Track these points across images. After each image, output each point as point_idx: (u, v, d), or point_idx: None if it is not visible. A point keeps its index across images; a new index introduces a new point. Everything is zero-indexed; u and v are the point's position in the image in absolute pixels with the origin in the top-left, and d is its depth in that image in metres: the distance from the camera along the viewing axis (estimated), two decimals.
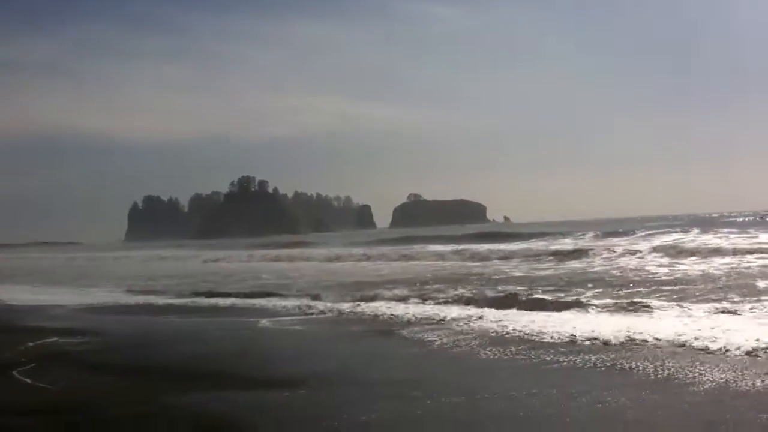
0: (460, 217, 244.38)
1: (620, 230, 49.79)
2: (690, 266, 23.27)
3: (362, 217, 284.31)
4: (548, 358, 9.62)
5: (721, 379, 7.95)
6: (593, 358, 9.48)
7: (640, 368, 8.70)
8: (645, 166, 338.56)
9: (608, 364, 9.09)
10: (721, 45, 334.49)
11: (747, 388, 7.54)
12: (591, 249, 32.22)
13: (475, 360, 10.02)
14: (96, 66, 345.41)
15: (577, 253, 31.42)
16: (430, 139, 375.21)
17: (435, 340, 11.62)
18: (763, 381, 7.76)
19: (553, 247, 35.59)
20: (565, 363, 9.30)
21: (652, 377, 8.26)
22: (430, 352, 10.89)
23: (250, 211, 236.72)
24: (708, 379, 7.94)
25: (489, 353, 10.29)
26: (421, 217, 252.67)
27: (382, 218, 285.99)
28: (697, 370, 8.36)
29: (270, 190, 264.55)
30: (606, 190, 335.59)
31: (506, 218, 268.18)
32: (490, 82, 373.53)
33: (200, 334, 14.03)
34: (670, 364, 8.78)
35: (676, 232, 43.38)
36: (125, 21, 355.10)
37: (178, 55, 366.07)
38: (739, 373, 8.13)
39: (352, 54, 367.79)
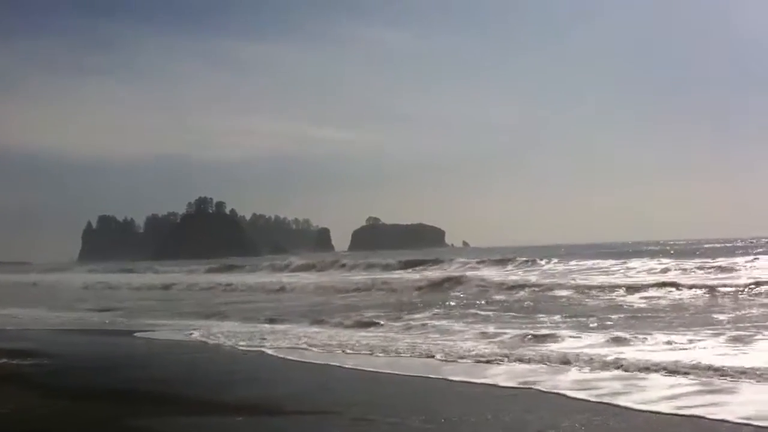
0: (419, 241, 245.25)
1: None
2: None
3: (321, 240, 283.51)
4: None
5: None
6: None
7: None
8: (608, 188, 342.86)
9: None
10: (670, 59, 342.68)
11: None
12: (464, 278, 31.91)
13: None
14: (43, 82, 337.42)
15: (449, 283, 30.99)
16: (388, 162, 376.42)
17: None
18: None
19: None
20: None
21: None
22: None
23: (207, 232, 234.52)
24: None
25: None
26: (379, 240, 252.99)
27: (342, 241, 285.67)
28: None
29: (227, 211, 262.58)
30: (577, 213, 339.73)
31: (465, 243, 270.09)
32: (444, 105, 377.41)
33: (152, 358, 13.97)
34: None
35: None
36: (69, 36, 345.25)
37: (125, 72, 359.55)
38: None
39: (308, 76, 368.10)
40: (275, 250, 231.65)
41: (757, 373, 9.26)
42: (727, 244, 72.86)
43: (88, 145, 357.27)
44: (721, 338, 12.75)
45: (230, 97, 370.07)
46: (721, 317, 16.17)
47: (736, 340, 12.49)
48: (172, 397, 9.71)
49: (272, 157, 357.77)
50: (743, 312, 17.19)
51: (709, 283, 24.10)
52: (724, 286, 22.87)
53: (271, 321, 19.75)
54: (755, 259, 33.38)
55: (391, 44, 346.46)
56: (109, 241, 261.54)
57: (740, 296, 21.02)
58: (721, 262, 31.22)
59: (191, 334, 17.24)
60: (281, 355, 13.40)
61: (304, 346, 14.39)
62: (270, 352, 13.89)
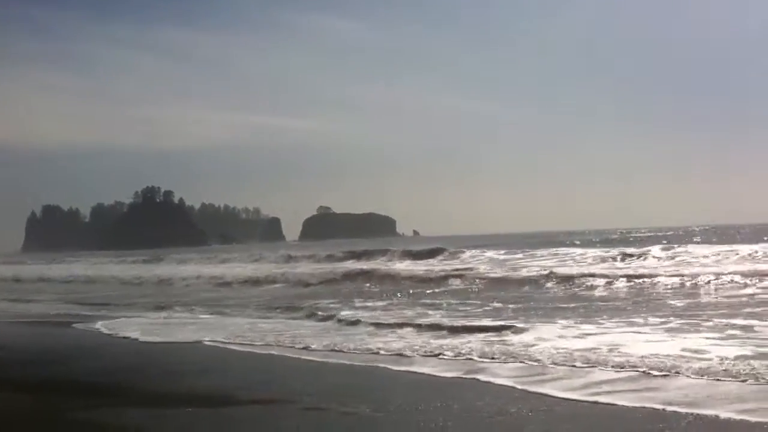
0: (370, 230, 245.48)
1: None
2: None
3: (271, 229, 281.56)
4: None
5: None
6: None
7: None
8: (568, 180, 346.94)
9: None
10: (625, 54, 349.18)
11: None
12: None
13: None
14: None
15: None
16: (339, 151, 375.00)
17: None
18: None
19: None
20: None
21: None
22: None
23: (154, 222, 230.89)
24: None
25: None
26: (330, 230, 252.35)
27: (293, 230, 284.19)
28: None
29: (176, 201, 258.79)
30: (524, 203, 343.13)
31: (415, 232, 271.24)
32: (395, 95, 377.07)
33: (99, 349, 13.89)
34: None
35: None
36: (1, 24, 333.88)
37: (63, 60, 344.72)
38: None
39: (258, 66, 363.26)
40: (224, 239, 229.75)
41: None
42: (669, 233, 75.40)
43: (28, 133, 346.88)
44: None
45: (176, 87, 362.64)
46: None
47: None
48: (120, 389, 9.70)
49: (222, 146, 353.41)
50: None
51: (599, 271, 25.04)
52: (593, 275, 23.72)
53: (213, 312, 19.90)
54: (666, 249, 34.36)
55: (342, 34, 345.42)
56: (54, 231, 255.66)
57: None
58: (633, 250, 32.23)
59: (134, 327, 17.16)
60: (228, 347, 13.42)
61: (250, 336, 14.43)
62: (212, 343, 13.87)
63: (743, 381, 8.49)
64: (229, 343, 13.79)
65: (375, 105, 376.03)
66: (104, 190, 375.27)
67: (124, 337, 15.25)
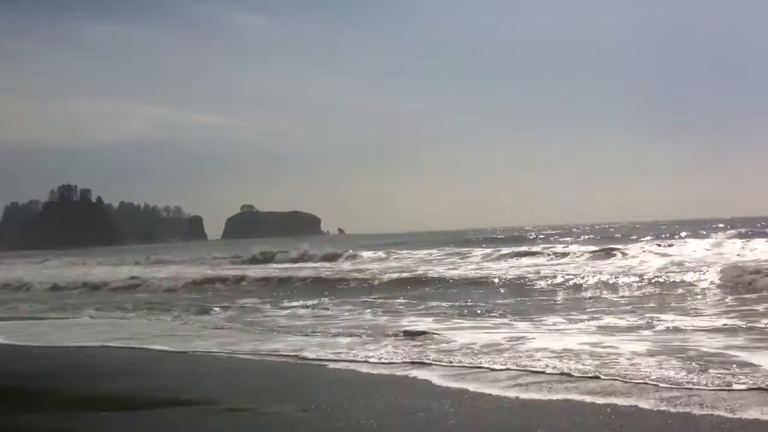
0: (295, 228, 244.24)
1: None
2: None
3: (193, 228, 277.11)
4: None
5: None
6: None
7: None
8: (490, 177, 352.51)
9: None
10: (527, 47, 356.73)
11: None
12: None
13: None
14: None
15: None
16: (264, 149, 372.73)
17: None
18: None
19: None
20: None
21: None
22: None
23: (71, 221, 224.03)
24: None
25: None
26: (254, 228, 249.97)
27: (215, 229, 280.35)
28: None
29: (93, 199, 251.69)
30: (451, 201, 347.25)
31: (340, 230, 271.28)
32: (316, 93, 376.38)
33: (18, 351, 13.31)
34: None
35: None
36: None
37: None
38: None
39: (174, 60, 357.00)
40: (144, 238, 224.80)
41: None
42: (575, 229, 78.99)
43: None
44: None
45: (93, 82, 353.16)
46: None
47: None
48: (25, 393, 9.33)
49: (141, 143, 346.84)
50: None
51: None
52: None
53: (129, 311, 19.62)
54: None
55: (256, 29, 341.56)
56: None
57: None
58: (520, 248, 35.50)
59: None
60: (146, 346, 13.06)
61: (171, 335, 14.17)
62: (121, 345, 13.46)
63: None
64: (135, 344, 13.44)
65: (295, 102, 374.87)
66: (19, 188, 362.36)
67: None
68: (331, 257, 40.39)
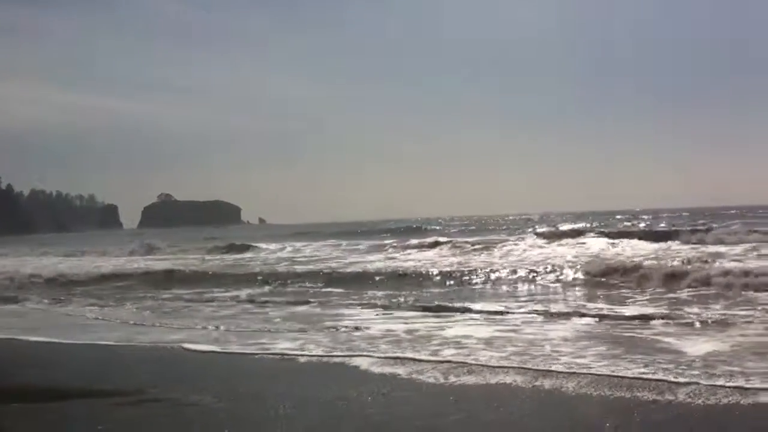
0: (215, 218, 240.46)
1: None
2: None
3: (107, 217, 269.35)
4: None
5: None
6: None
7: None
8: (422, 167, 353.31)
9: None
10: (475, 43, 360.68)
11: None
12: None
13: None
14: None
15: None
16: (182, 136, 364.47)
17: None
18: None
19: None
20: None
21: None
22: None
23: None
24: None
25: None
26: (172, 217, 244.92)
27: (131, 218, 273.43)
28: None
29: (3, 186, 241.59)
30: (376, 191, 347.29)
31: (261, 220, 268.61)
32: (238, 78, 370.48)
33: None
34: None
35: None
36: None
37: None
38: None
39: (84, 43, 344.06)
40: (56, 227, 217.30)
41: None
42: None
43: None
44: None
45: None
46: None
47: None
48: None
49: (53, 129, 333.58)
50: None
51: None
52: None
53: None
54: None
55: (170, 14, 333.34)
56: None
57: None
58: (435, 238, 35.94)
59: None
60: (56, 339, 12.55)
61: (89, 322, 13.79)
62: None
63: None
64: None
65: (217, 89, 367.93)
66: None
67: None
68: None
